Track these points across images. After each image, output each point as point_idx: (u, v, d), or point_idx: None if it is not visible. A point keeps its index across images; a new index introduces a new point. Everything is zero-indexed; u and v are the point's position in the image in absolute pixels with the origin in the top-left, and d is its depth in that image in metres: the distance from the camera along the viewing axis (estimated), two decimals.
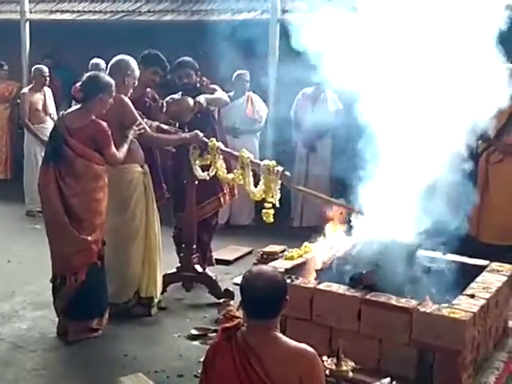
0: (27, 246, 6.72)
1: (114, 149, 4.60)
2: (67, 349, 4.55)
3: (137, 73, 5.09)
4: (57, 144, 4.55)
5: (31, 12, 10.14)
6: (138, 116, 4.93)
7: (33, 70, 8.38)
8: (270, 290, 2.65)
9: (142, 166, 5.07)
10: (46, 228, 4.65)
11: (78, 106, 4.67)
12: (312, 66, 4.67)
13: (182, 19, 8.88)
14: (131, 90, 5.08)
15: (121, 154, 4.67)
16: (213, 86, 5.88)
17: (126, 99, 4.90)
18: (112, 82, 4.66)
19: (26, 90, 8.46)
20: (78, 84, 4.60)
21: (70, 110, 4.76)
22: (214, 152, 5.13)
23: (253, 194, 4.94)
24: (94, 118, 4.56)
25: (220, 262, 6.33)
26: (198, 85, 5.74)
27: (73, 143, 4.50)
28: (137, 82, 5.14)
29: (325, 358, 3.39)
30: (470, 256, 4.63)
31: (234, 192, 5.93)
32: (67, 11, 10.07)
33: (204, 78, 5.83)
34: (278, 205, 4.84)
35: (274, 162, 4.87)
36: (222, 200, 5.83)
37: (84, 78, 4.64)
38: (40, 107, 8.36)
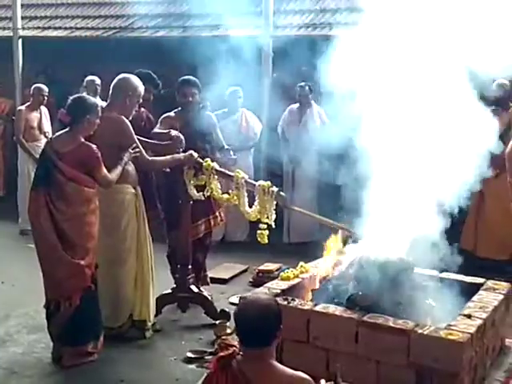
0: (21, 266, 6.60)
1: (105, 171, 4.54)
2: (63, 374, 4.51)
3: (140, 90, 4.95)
4: (46, 168, 4.49)
5: (24, 29, 10.14)
6: (135, 139, 4.85)
7: (32, 88, 8.33)
8: (263, 319, 2.64)
9: (134, 188, 4.99)
10: (38, 253, 4.57)
11: (66, 129, 4.58)
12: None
13: (175, 35, 8.88)
14: (136, 108, 5.00)
15: (113, 175, 4.63)
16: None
17: (126, 121, 4.82)
18: (97, 102, 4.63)
19: (22, 107, 8.40)
20: (63, 109, 4.56)
21: (58, 134, 4.67)
22: (208, 172, 5.10)
23: (248, 215, 4.92)
24: (83, 140, 4.51)
25: (215, 280, 6.29)
26: (201, 105, 5.76)
27: (63, 167, 4.45)
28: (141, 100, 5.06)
29: (322, 381, 3.36)
30: (467, 271, 4.61)
31: (221, 216, 5.84)
32: (60, 28, 10.10)
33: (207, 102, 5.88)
34: (273, 225, 4.83)
35: (269, 183, 4.85)
36: (212, 222, 5.75)
37: (69, 101, 4.59)
38: (35, 125, 8.32)
